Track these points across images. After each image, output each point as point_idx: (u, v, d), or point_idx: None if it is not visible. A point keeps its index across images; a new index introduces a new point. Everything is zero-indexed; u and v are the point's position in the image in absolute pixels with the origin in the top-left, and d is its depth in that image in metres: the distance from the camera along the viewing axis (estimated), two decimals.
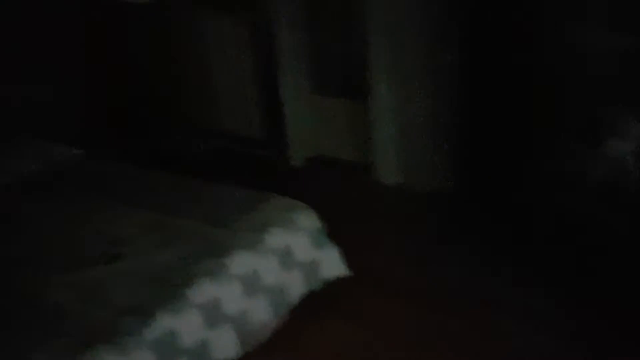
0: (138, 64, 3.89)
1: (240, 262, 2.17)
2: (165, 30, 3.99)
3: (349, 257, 2.57)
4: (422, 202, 3.36)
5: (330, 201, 3.40)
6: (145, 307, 1.91)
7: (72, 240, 2.40)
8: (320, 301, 2.46)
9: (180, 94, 4.17)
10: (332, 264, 2.50)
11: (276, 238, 2.32)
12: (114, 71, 3.80)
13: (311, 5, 3.86)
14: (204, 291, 2.03)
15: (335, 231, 2.59)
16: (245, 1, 3.86)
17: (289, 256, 2.35)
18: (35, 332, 1.85)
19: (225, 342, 2.05)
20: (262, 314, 2.20)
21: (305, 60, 3.89)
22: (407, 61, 3.34)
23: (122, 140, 3.82)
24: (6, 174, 3.03)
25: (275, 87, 3.90)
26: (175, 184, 2.86)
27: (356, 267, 2.56)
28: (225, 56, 4.12)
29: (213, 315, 2.03)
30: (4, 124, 3.30)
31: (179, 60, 4.11)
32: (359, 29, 3.49)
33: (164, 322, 1.89)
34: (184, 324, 1.94)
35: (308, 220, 2.48)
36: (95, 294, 2.01)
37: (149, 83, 3.95)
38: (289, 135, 3.89)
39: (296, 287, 2.36)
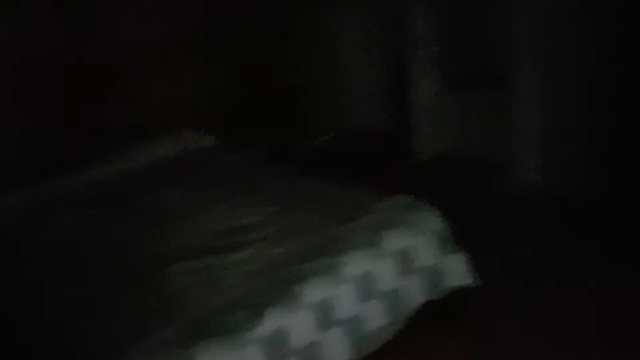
0: (267, 56, 3.91)
1: (355, 263, 2.05)
2: (294, 19, 3.98)
3: (476, 264, 2.35)
4: (563, 206, 3.00)
5: (460, 201, 3.17)
6: (257, 301, 1.87)
7: (197, 226, 2.44)
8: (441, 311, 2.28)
9: (309, 84, 4.15)
10: (457, 271, 2.29)
11: (395, 240, 2.17)
12: (244, 66, 3.85)
13: None
14: (316, 290, 1.94)
15: (464, 235, 2.38)
16: None
17: (408, 260, 2.18)
18: (155, 315, 1.87)
19: (336, 346, 1.95)
20: (375, 320, 2.07)
21: (438, 47, 3.67)
22: (553, 50, 2.99)
23: (252, 132, 3.88)
24: (142, 158, 3.19)
25: (406, 77, 3.73)
26: (299, 177, 2.83)
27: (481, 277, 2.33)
28: (354, 45, 4.03)
29: (325, 316, 1.94)
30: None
31: (308, 51, 4.09)
32: (499, 13, 3.20)
33: (275, 320, 1.83)
34: (295, 323, 1.87)
35: (431, 221, 2.30)
36: (213, 283, 2.00)
37: (278, 74, 3.96)
38: (419, 128, 3.70)
39: (415, 294, 2.19)
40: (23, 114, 3.05)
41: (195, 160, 3.19)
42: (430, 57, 3.65)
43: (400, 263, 2.16)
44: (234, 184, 2.82)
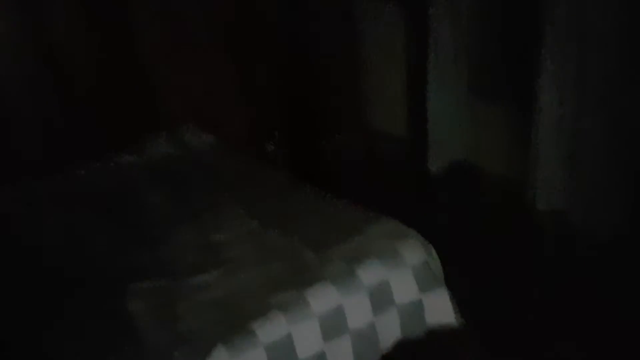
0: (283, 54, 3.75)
1: (323, 298, 1.90)
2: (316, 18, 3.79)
3: (466, 304, 2.15)
4: (583, 243, 2.73)
5: (463, 223, 2.96)
6: (206, 337, 1.75)
7: (168, 238, 2.32)
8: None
9: (328, 86, 3.96)
10: (439, 309, 2.10)
11: (371, 272, 2.00)
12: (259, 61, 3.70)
13: None
14: (274, 328, 1.80)
15: (459, 266, 2.19)
16: None
17: (385, 295, 2.01)
18: (100, 343, 1.79)
19: None
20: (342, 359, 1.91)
21: (460, 54, 3.41)
22: (590, 66, 2.69)
23: (257, 131, 3.74)
24: (139, 154, 3.09)
25: (424, 81, 3.50)
26: (294, 187, 2.67)
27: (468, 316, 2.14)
28: (373, 44, 3.81)
29: (282, 355, 1.80)
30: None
31: (328, 50, 3.89)
32: (529, 20, 2.91)
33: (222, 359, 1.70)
34: None
35: (417, 253, 2.11)
36: (168, 310, 1.89)
37: (291, 71, 3.80)
38: (431, 134, 3.46)
39: (389, 331, 2.02)
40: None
41: (190, 160, 3.07)
42: (453, 64, 3.39)
43: (374, 298, 1.98)
44: (224, 191, 2.68)
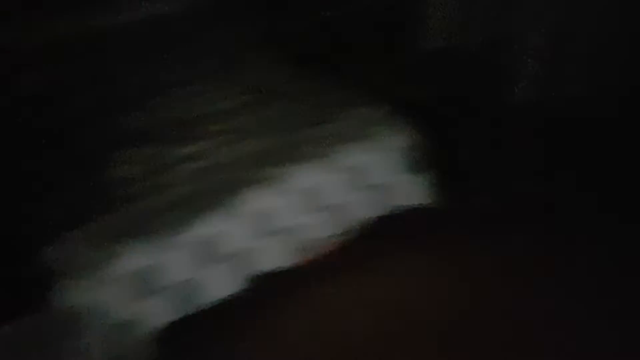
0: None
1: (302, 176, 2.02)
2: None
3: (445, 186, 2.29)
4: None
5: (447, 105, 2.98)
6: (192, 205, 1.88)
7: (163, 107, 2.38)
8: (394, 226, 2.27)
9: None
10: (414, 191, 2.24)
11: (350, 154, 2.11)
12: None
13: None
14: (256, 200, 1.94)
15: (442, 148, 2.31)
16: None
17: (362, 176, 2.14)
18: (92, 204, 1.90)
19: (270, 253, 1.99)
20: (316, 231, 2.08)
21: None
22: None
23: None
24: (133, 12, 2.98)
25: None
26: (286, 63, 2.67)
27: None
28: None
29: (262, 226, 1.96)
30: None
31: None
32: None
33: (206, 226, 1.85)
34: (228, 231, 1.89)
35: (397, 138, 2.20)
36: (156, 177, 2.01)
37: None
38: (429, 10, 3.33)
39: (363, 209, 2.17)
40: None
41: (184, 26, 3.00)
42: None
43: (351, 178, 2.11)
44: (217, 62, 2.68)
